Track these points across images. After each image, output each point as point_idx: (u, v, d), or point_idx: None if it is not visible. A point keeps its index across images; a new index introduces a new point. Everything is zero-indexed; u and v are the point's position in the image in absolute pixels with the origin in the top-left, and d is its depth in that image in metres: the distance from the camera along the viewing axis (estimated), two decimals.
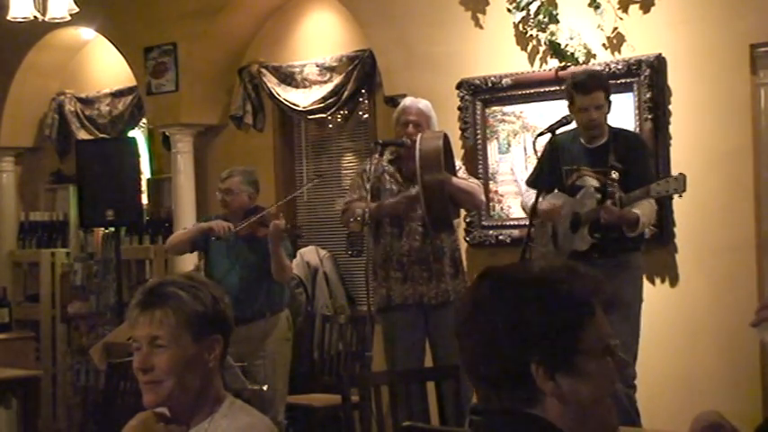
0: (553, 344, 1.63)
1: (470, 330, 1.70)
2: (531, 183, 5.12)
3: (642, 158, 4.99)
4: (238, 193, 5.75)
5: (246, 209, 5.75)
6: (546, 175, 5.02)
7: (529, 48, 5.90)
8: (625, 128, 5.27)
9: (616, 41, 5.60)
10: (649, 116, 5.42)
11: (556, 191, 5.05)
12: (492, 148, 6.07)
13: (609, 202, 4.72)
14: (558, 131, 4.89)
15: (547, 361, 1.63)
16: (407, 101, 5.55)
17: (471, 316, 1.70)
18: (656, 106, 5.44)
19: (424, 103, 5.50)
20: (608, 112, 4.98)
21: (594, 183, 4.91)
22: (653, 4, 5.50)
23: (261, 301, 5.68)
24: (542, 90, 5.81)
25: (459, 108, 6.10)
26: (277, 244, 5.57)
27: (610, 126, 5.02)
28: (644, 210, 4.79)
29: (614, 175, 4.83)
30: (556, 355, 1.63)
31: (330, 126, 7.19)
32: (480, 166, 6.04)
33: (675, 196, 4.90)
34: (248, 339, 5.53)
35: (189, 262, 6.73)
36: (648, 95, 5.44)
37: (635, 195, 4.71)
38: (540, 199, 4.98)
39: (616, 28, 5.58)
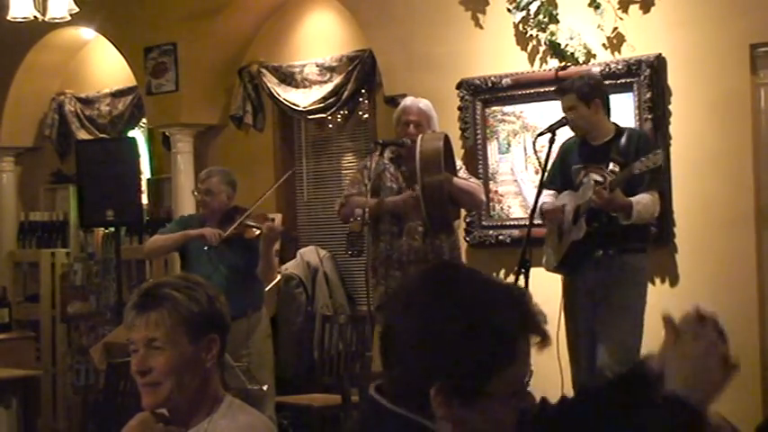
0: (461, 379, 1.58)
1: (395, 326, 1.65)
2: (547, 185, 5.14)
3: (641, 150, 5.01)
4: (217, 193, 5.70)
5: (225, 209, 5.73)
6: (559, 177, 5.08)
7: (529, 48, 5.90)
8: (630, 125, 5.32)
9: (616, 41, 5.60)
10: (649, 116, 5.43)
11: (566, 191, 5.10)
12: (492, 148, 6.07)
13: (599, 187, 4.75)
14: (557, 131, 4.91)
15: (448, 391, 1.58)
16: (408, 101, 5.55)
17: (400, 313, 1.65)
18: (656, 106, 5.44)
19: (424, 103, 5.50)
20: (597, 112, 4.97)
21: (598, 177, 4.93)
22: (653, 4, 5.50)
23: (243, 301, 5.66)
24: (542, 90, 5.81)
25: (459, 108, 6.10)
26: (269, 245, 5.56)
27: (616, 125, 5.05)
28: (641, 198, 4.81)
29: (613, 166, 4.86)
30: (460, 389, 1.58)
31: (330, 126, 7.19)
32: (480, 166, 6.04)
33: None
34: (231, 338, 5.51)
35: None
36: (648, 95, 5.44)
37: (620, 175, 4.76)
38: (546, 199, 5.01)
39: (616, 28, 5.58)
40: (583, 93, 5.01)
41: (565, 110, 5.01)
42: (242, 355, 5.60)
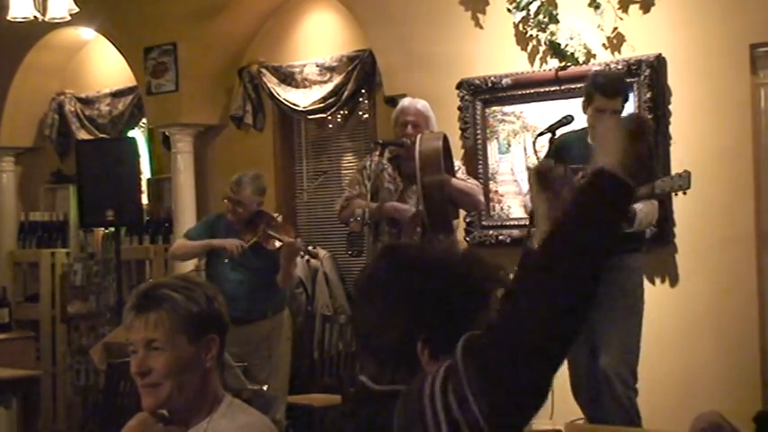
0: (443, 326, 1.64)
1: (366, 302, 1.71)
2: None
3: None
4: (249, 204, 5.77)
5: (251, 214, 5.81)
6: None
7: (529, 48, 5.90)
8: None
9: (616, 41, 5.60)
10: (649, 116, 5.42)
11: None
12: (492, 148, 6.07)
13: None
14: (558, 131, 4.88)
15: (433, 341, 1.64)
16: (406, 101, 5.55)
17: (369, 289, 1.71)
18: (656, 106, 5.44)
19: (422, 104, 5.50)
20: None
21: None
22: (653, 4, 5.50)
23: (264, 302, 5.73)
24: (542, 90, 5.81)
25: (459, 108, 6.10)
26: (289, 260, 5.68)
27: None
28: (643, 207, 4.79)
29: None
30: (443, 337, 1.63)
31: (330, 126, 7.19)
32: (480, 166, 6.04)
33: (679, 194, 4.89)
34: (251, 339, 5.63)
35: (189, 262, 6.73)
36: (648, 95, 5.44)
37: (639, 193, 4.71)
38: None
39: (616, 28, 5.58)
40: (627, 98, 4.94)
41: (607, 111, 4.80)
42: (261, 357, 5.67)
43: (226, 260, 5.70)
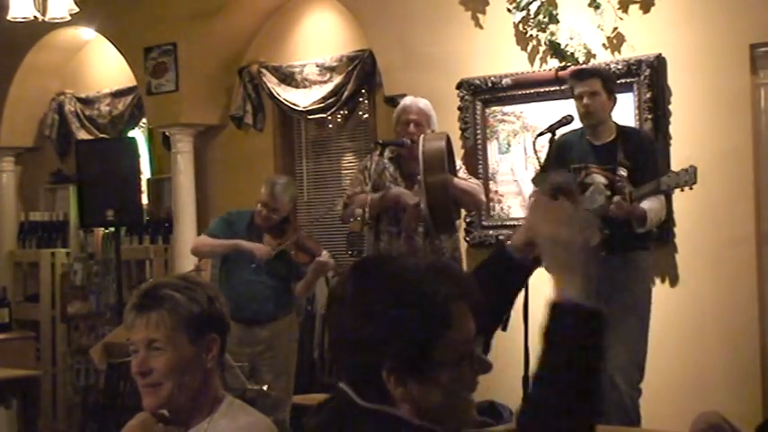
0: (405, 354, 1.62)
1: (333, 325, 1.72)
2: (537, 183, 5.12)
3: (650, 155, 5.01)
4: (283, 211, 5.73)
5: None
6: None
7: (529, 48, 5.90)
8: (632, 125, 5.30)
9: (616, 41, 5.60)
10: (649, 116, 5.42)
11: None
12: (492, 148, 6.07)
13: (619, 198, 4.73)
14: (557, 131, 4.89)
15: (398, 369, 1.63)
16: (407, 100, 5.55)
17: (335, 311, 1.71)
18: (656, 106, 5.44)
19: (424, 102, 5.51)
20: (612, 108, 5.00)
21: (603, 180, 4.92)
22: (653, 4, 5.50)
23: (277, 306, 5.75)
24: (542, 90, 5.81)
25: (459, 108, 6.10)
26: (316, 276, 5.75)
27: (617, 124, 5.04)
28: (652, 205, 4.81)
29: (622, 171, 4.85)
30: (407, 364, 1.63)
31: (330, 126, 7.19)
32: (480, 166, 6.04)
33: (679, 195, 4.90)
34: (262, 341, 5.69)
35: (189, 262, 6.72)
36: (648, 95, 5.44)
37: (645, 190, 4.73)
38: None
39: (616, 28, 5.58)
40: (609, 81, 5.00)
41: (584, 95, 4.91)
42: (270, 357, 5.68)
43: (253, 265, 5.63)
